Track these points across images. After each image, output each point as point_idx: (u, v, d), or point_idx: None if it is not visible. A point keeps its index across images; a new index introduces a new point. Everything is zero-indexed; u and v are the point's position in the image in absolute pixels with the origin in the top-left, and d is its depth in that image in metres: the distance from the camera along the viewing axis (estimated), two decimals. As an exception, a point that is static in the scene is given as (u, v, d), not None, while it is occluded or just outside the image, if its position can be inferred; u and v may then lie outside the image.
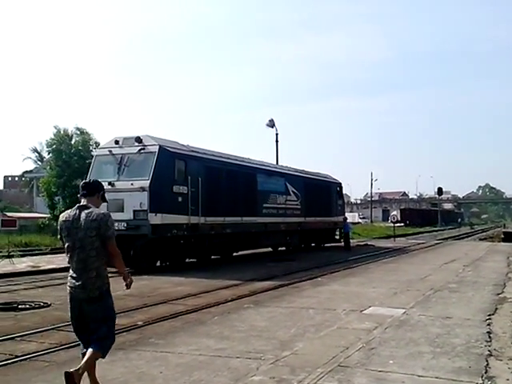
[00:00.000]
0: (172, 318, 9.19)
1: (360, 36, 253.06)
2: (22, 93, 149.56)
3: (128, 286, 5.17)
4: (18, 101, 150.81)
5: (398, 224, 55.58)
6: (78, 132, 37.43)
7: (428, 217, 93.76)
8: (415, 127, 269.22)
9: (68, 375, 4.56)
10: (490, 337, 7.20)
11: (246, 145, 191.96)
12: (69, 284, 4.88)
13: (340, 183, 32.85)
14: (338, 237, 31.20)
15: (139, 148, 17.17)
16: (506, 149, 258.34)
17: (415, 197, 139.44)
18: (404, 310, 9.19)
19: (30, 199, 56.76)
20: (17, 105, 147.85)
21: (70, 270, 4.91)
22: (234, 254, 21.84)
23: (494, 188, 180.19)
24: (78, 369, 4.65)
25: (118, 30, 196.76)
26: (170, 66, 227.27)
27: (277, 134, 38.74)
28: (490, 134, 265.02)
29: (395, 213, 54.13)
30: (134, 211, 16.37)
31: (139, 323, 8.75)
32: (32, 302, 10.88)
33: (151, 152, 17.01)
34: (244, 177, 21.62)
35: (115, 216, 16.40)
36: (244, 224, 21.08)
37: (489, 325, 8.02)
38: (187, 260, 18.64)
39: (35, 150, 63.01)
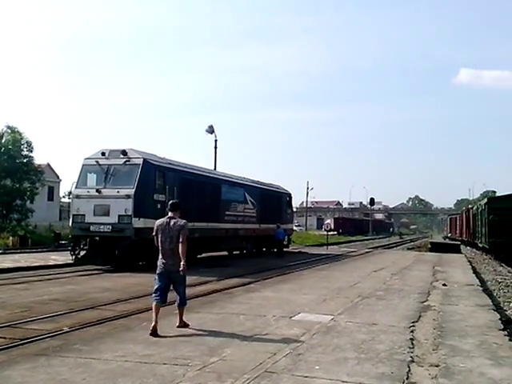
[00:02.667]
0: (99, 323, 8.97)
1: (306, 48, 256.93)
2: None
3: (183, 270, 7.96)
4: None
5: (332, 232, 56.56)
6: (9, 131, 36.17)
7: (360, 226, 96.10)
8: (352, 139, 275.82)
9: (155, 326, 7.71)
10: (412, 343, 7.40)
11: (188, 150, 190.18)
12: (161, 262, 8.03)
13: (290, 194, 35.54)
14: (286, 242, 33.05)
15: (124, 160, 19.04)
16: (434, 163, 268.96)
17: (348, 206, 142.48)
18: (332, 317, 9.33)
19: (-45, 198, 54.18)
20: None
21: (162, 254, 8.04)
22: (198, 256, 22.99)
23: (423, 200, 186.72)
24: (180, 320, 8.30)
25: (57, 30, 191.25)
26: (112, 68, 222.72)
27: (216, 141, 38.72)
28: (421, 149, 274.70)
29: (329, 221, 55.03)
30: (119, 216, 18.25)
31: (64, 328, 8.48)
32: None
33: (136, 164, 18.95)
34: (211, 187, 23.96)
35: (101, 220, 18.64)
36: (209, 229, 22.88)
37: (412, 332, 8.24)
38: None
39: (-38, 148, 60.42)
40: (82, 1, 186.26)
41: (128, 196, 18.26)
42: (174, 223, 8.01)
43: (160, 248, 8.06)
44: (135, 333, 7.90)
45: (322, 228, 66.01)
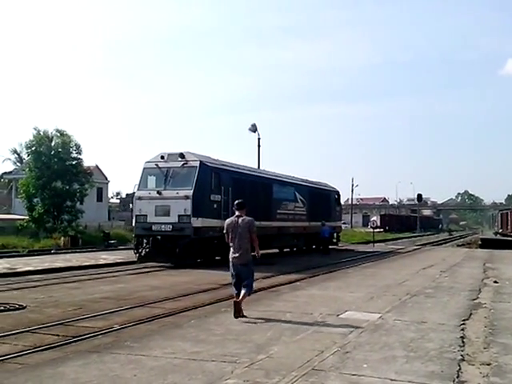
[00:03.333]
0: (148, 321, 9.16)
1: (347, 42, 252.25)
2: (1, 93, 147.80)
3: (258, 256, 9.40)
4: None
5: (378, 229, 55.96)
6: (58, 134, 37.14)
7: (407, 223, 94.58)
8: (396, 134, 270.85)
9: (235, 302, 8.80)
10: (463, 341, 7.27)
11: (231, 149, 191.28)
12: (231, 257, 9.05)
13: (338, 191, 36.74)
14: (334, 240, 34.33)
15: (182, 163, 20.45)
16: (484, 157, 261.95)
17: (395, 202, 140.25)
18: (380, 315, 9.25)
19: (9, 201, 56.12)
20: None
21: (232, 249, 9.03)
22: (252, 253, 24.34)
23: (473, 195, 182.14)
24: (240, 301, 8.80)
25: (100, 33, 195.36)
26: (154, 69, 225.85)
27: (259, 139, 38.79)
28: (469, 143, 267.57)
29: (375, 218, 54.44)
30: (179, 215, 19.58)
31: (115, 326, 8.69)
32: (7, 303, 10.76)
33: (193, 166, 20.31)
34: (262, 186, 25.14)
35: (162, 219, 20.08)
36: (262, 227, 24.17)
37: (463, 330, 8.09)
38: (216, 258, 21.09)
39: (15, 152, 62.51)
40: (120, 3, 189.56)
41: (187, 197, 19.56)
42: (242, 220, 9.01)
43: (231, 244, 9.09)
44: (184, 330, 8.03)
45: (367, 225, 65.28)
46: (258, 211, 23.05)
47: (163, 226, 19.75)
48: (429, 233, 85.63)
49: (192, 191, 19.66)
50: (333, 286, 13.83)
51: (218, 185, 20.85)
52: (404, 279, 15.37)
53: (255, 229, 9.06)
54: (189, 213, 19.45)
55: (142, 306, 10.91)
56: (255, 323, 8.53)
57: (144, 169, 21.37)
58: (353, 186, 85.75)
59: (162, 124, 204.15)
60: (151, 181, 21.12)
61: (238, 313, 8.78)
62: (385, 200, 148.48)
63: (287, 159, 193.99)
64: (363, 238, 51.59)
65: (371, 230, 45.33)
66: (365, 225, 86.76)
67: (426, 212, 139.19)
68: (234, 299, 8.99)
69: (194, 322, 8.68)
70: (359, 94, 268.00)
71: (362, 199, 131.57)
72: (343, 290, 13.05)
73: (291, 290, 13.18)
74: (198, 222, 19.55)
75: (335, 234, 35.05)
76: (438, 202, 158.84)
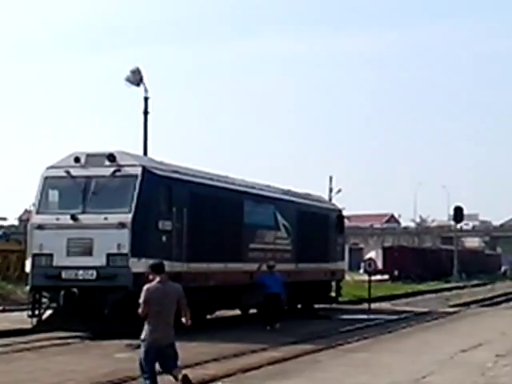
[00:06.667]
0: None
1: None
2: None
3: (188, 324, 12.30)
4: None
5: (379, 276, 56.73)
6: None
7: (435, 262, 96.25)
8: (417, 90, 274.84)
9: (184, 377, 11.99)
10: None
11: (89, 118, 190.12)
12: (153, 336, 11.71)
13: (340, 210, 40.50)
14: (334, 293, 37.73)
15: (114, 169, 22.79)
16: None
17: (412, 224, 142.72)
18: None
19: None
20: None
21: (152, 326, 11.71)
22: (208, 316, 26.58)
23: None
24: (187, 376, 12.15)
25: None
26: None
27: (146, 99, 38.58)
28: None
29: (372, 255, 55.22)
30: (109, 255, 21.92)
31: None
32: None
33: (131, 175, 22.79)
34: (230, 205, 28.00)
35: (79, 261, 22.39)
36: (228, 273, 25.95)
37: None
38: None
39: None
40: None
41: (122, 225, 21.94)
42: (170, 288, 12.06)
43: (151, 320, 11.78)
44: None
45: (358, 268, 66.22)
46: (224, 246, 25.46)
47: (81, 273, 21.82)
48: (476, 281, 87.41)
49: (131, 215, 21.93)
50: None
51: (169, 205, 23.35)
52: (426, 372, 15.61)
53: (185, 296, 12.09)
54: (125, 250, 21.67)
55: None
56: None
57: (45, 179, 23.44)
58: (331, 191, 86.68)
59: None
60: (59, 198, 23.63)
61: None
62: (393, 219, 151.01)
63: (208, 143, 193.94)
64: (350, 292, 52.12)
65: (365, 276, 45.90)
66: (354, 267, 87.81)
67: (472, 242, 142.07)
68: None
69: None
70: (352, 16, 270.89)
71: (349, 217, 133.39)
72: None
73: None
74: (139, 265, 20.96)
75: (334, 283, 37.20)
76: (494, 224, 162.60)
